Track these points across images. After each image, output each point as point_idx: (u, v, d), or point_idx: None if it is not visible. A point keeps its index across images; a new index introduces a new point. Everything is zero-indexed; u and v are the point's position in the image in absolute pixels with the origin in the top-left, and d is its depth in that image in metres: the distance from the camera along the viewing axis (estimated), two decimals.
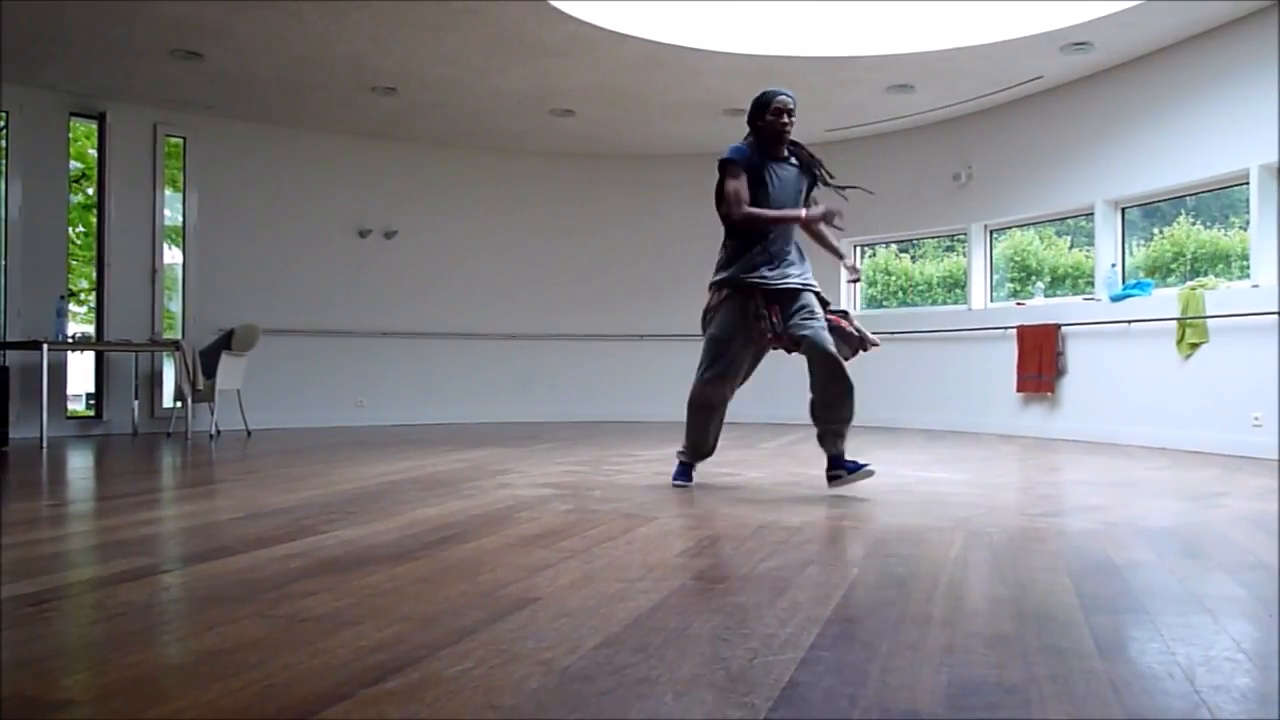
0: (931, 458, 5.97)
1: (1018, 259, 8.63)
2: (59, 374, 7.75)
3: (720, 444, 4.44)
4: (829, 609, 2.08)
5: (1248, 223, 6.37)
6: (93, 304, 8.52)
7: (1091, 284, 7.64)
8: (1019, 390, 7.72)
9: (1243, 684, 1.60)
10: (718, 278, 4.22)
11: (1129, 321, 6.87)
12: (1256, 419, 5.90)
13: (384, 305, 9.43)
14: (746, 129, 4.29)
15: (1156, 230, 7.41)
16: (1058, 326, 7.43)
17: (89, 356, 8.33)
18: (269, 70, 7.41)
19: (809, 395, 4.03)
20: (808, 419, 4.05)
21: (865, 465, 3.99)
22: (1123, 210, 7.42)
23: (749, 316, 4.12)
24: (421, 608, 2.10)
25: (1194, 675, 1.64)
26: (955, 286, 9.08)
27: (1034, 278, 8.39)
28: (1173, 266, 7.24)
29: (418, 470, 5.10)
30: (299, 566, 2.54)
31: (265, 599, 2.18)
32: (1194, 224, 7.15)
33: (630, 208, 10.21)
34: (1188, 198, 7.09)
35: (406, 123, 8.95)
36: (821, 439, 4.08)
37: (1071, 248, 8.34)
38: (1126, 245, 7.44)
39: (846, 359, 4.07)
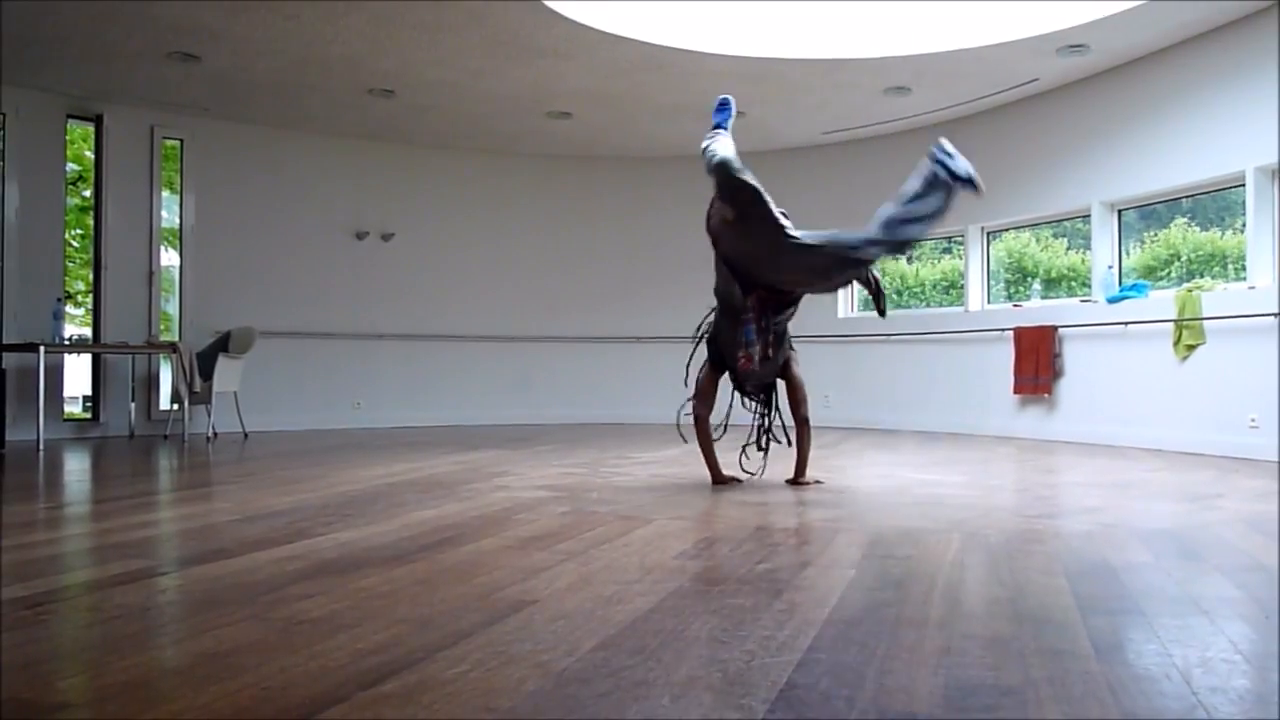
0: (928, 459, 5.97)
1: (1013, 260, 8.63)
2: (56, 376, 7.74)
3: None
4: (826, 611, 2.08)
5: (1244, 224, 6.39)
6: (89, 306, 8.51)
7: (1088, 286, 7.65)
8: (1016, 392, 7.73)
9: (1239, 685, 1.60)
10: None
11: (1126, 323, 6.88)
12: (1253, 420, 5.91)
13: (381, 307, 9.43)
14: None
15: (1150, 234, 7.41)
16: (1054, 328, 7.44)
17: (86, 359, 8.32)
18: (266, 72, 7.41)
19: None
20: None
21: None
22: (1119, 212, 7.43)
23: None
24: (418, 610, 2.10)
25: (1191, 677, 1.64)
26: (951, 288, 9.09)
27: (1030, 280, 8.39)
28: (1163, 272, 7.24)
29: (415, 472, 5.09)
30: (296, 569, 2.54)
31: (262, 602, 2.18)
32: (1190, 226, 7.16)
33: (627, 210, 10.21)
34: (1184, 200, 7.10)
35: (403, 125, 8.94)
36: None
37: (1068, 250, 8.35)
38: (1123, 247, 7.45)
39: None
